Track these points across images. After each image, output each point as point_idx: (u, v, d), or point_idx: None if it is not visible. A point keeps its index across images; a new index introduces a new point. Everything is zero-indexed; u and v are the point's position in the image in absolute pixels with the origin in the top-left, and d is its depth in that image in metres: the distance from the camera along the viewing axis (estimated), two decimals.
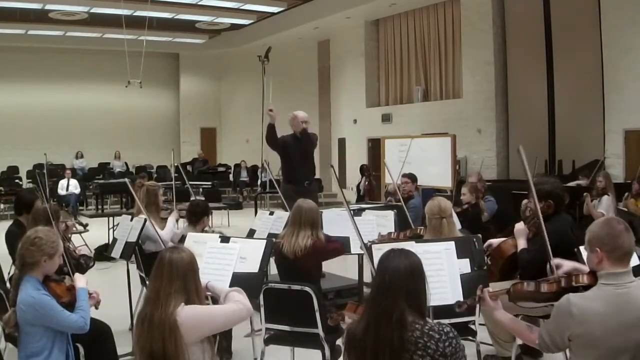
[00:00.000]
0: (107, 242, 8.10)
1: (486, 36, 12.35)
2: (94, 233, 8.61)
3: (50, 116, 17.49)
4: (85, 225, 8.24)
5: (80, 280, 3.18)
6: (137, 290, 5.02)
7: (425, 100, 14.26)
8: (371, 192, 12.78)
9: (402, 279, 2.05)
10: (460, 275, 3.34)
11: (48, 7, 14.36)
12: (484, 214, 6.47)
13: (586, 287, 2.37)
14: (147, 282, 3.62)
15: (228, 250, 3.76)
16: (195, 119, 19.79)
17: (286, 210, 5.36)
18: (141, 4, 13.83)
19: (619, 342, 2.17)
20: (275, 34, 15.93)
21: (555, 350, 2.38)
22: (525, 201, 8.24)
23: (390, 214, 5.27)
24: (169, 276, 2.37)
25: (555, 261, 3.12)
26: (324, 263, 4.20)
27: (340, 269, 6.50)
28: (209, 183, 15.76)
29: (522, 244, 3.87)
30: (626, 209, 7.19)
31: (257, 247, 3.77)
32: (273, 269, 4.23)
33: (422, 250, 3.09)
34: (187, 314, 2.34)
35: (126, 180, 5.54)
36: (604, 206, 7.06)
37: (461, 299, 3.01)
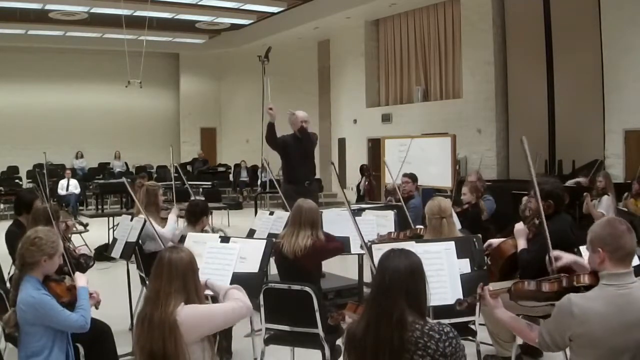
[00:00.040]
0: (107, 242, 8.10)
1: (486, 36, 12.35)
2: (94, 233, 8.61)
3: (50, 116, 17.50)
4: (85, 225, 8.23)
5: (81, 279, 3.18)
6: (137, 290, 5.02)
7: (425, 100, 14.25)
8: (371, 192, 12.78)
9: (402, 279, 2.05)
10: (460, 275, 3.34)
11: (48, 7, 14.37)
12: (484, 214, 6.47)
13: (587, 287, 2.37)
14: (147, 282, 3.62)
15: (228, 250, 3.76)
16: (195, 119, 19.80)
17: (287, 210, 5.36)
18: (141, 4, 13.83)
19: (619, 343, 2.17)
20: (275, 34, 15.93)
21: (555, 349, 2.38)
22: (525, 199, 8.26)
23: (390, 214, 5.28)
24: (168, 276, 2.37)
25: (555, 253, 3.12)
26: (324, 263, 4.19)
27: (340, 269, 6.51)
28: (209, 183, 15.77)
29: (522, 244, 3.88)
30: (626, 209, 7.19)
31: (257, 247, 3.77)
32: (273, 269, 4.23)
33: (422, 250, 3.09)
34: (187, 313, 2.34)
35: (124, 179, 5.53)
36: (604, 206, 7.06)
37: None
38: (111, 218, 8.97)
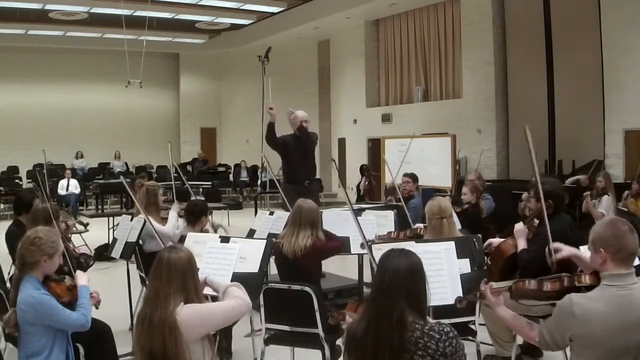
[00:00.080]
0: (107, 242, 8.10)
1: (486, 36, 12.35)
2: (94, 233, 8.61)
3: (50, 116, 17.50)
4: (86, 225, 8.23)
5: (82, 278, 3.18)
6: (137, 290, 5.02)
7: (425, 100, 14.25)
8: (371, 192, 12.77)
9: (402, 279, 2.05)
10: (460, 275, 3.34)
11: (48, 7, 14.37)
12: (483, 213, 6.46)
13: (589, 287, 2.36)
14: (147, 282, 3.62)
15: (228, 250, 3.76)
16: (195, 119, 19.80)
17: (287, 210, 5.36)
18: (141, 4, 13.83)
19: (620, 343, 2.17)
20: (275, 34, 15.93)
21: (555, 348, 2.38)
22: (524, 195, 8.26)
23: (390, 214, 5.28)
24: (167, 276, 2.37)
25: (555, 245, 3.13)
26: (324, 263, 4.19)
27: (340, 269, 6.51)
28: (209, 183, 15.77)
29: (522, 244, 3.87)
30: (626, 209, 7.19)
31: (257, 247, 3.77)
32: (273, 269, 4.22)
33: (422, 250, 3.09)
34: (187, 313, 2.34)
35: (122, 178, 5.53)
36: (604, 206, 7.06)
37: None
38: (111, 218, 8.96)
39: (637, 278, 2.28)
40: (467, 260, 3.45)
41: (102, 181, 15.14)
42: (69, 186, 14.22)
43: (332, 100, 17.26)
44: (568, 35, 10.76)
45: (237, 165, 17.95)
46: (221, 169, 18.28)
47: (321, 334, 3.41)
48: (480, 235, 3.82)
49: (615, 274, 2.25)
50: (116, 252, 5.06)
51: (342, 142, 16.69)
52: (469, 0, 12.77)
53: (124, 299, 5.03)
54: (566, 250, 3.03)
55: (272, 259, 4.03)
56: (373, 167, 13.78)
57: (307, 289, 3.40)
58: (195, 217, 4.72)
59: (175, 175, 8.17)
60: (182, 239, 4.27)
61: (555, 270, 3.27)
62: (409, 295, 2.04)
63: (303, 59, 17.75)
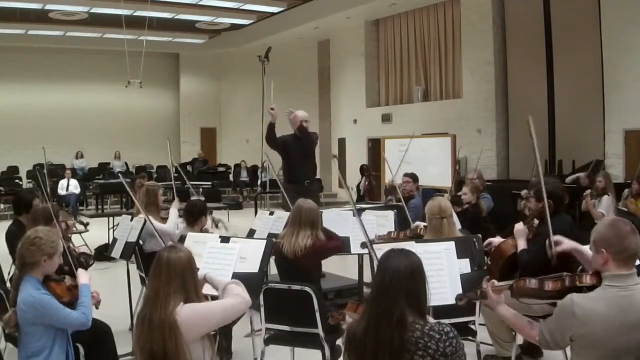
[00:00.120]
0: (107, 242, 8.10)
1: (486, 36, 12.35)
2: (94, 233, 8.61)
3: (50, 116, 17.50)
4: (86, 225, 8.23)
5: (83, 276, 3.18)
6: (137, 290, 5.02)
7: (425, 100, 14.26)
8: (371, 192, 12.77)
9: (402, 279, 2.05)
10: (460, 275, 3.34)
11: (48, 7, 14.37)
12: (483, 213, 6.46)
13: (590, 288, 2.36)
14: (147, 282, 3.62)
15: (228, 250, 3.76)
16: (195, 119, 19.80)
17: (288, 210, 5.36)
18: (141, 4, 13.84)
19: (621, 344, 2.17)
20: (275, 34, 15.94)
21: (555, 347, 2.38)
22: (524, 192, 8.26)
23: (390, 214, 5.27)
24: (167, 276, 2.37)
25: (555, 238, 3.12)
26: (324, 263, 4.19)
27: (340, 269, 6.50)
28: (209, 183, 15.77)
29: (522, 244, 3.87)
30: (626, 209, 7.19)
31: (257, 247, 3.77)
32: (273, 269, 4.22)
33: (422, 250, 3.09)
34: (187, 312, 2.34)
35: (122, 178, 5.54)
36: (604, 206, 7.06)
37: None
38: (111, 218, 8.96)
39: (638, 279, 2.28)
40: (467, 260, 3.45)
41: (102, 181, 15.14)
42: (69, 186, 14.22)
43: (332, 100, 17.26)
44: (568, 35, 10.76)
45: (237, 165, 17.96)
46: (221, 169, 18.28)
47: (321, 334, 3.41)
48: (480, 235, 3.82)
49: (617, 274, 2.25)
50: (116, 252, 5.06)
51: (342, 142, 16.70)
52: (469, 0, 12.77)
53: (124, 299, 5.03)
54: (567, 243, 3.03)
55: (272, 259, 4.03)
56: (373, 167, 13.78)
57: (307, 289, 3.40)
58: (194, 217, 4.72)
59: (176, 175, 8.16)
60: (182, 239, 4.28)
61: (555, 264, 3.28)
62: (409, 295, 2.04)
63: (303, 59, 17.75)
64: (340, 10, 14.55)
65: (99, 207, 14.32)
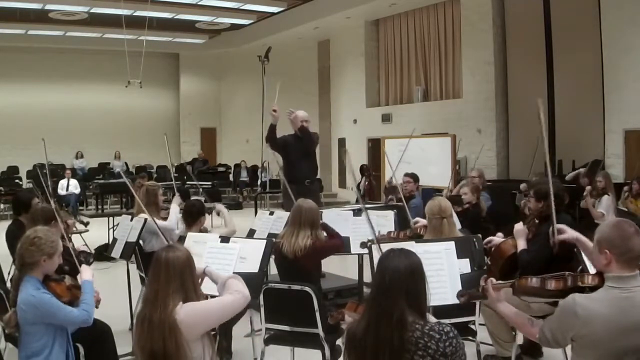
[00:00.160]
0: (107, 242, 8.10)
1: (486, 36, 12.35)
2: (94, 233, 8.60)
3: (50, 116, 17.50)
4: (86, 224, 8.23)
5: (86, 272, 3.18)
6: (137, 290, 5.02)
7: (425, 100, 14.26)
8: (371, 192, 12.76)
9: (402, 279, 2.05)
10: (460, 275, 3.34)
11: (48, 7, 14.37)
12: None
13: (592, 288, 2.36)
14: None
15: (228, 250, 3.76)
16: (195, 119, 19.80)
17: (289, 209, 5.35)
18: (141, 4, 13.84)
19: (622, 345, 2.16)
20: (275, 34, 15.94)
21: (555, 346, 2.39)
22: (523, 186, 8.29)
23: (390, 214, 5.27)
24: (166, 276, 2.37)
25: (559, 226, 3.12)
26: (324, 263, 4.19)
27: (340, 269, 6.51)
28: (209, 183, 15.77)
29: (522, 244, 3.87)
30: (626, 209, 7.19)
31: (257, 247, 3.77)
32: (273, 269, 4.22)
33: (422, 250, 3.10)
34: (187, 312, 2.34)
35: (125, 178, 5.55)
36: (603, 206, 7.06)
37: None
38: (111, 218, 8.96)
39: None
40: (467, 260, 3.44)
41: (102, 181, 15.15)
42: (69, 186, 14.22)
43: (332, 100, 17.26)
44: (568, 35, 10.76)
45: (237, 165, 17.96)
46: (221, 169, 18.28)
47: (321, 334, 3.41)
48: (480, 235, 3.82)
49: (619, 276, 2.24)
50: (116, 252, 5.06)
51: (342, 142, 16.69)
52: (469, 0, 12.77)
53: (124, 299, 5.03)
54: (569, 233, 3.02)
55: (272, 259, 4.03)
56: (373, 167, 13.77)
57: (307, 289, 3.40)
58: (193, 217, 4.72)
59: (176, 175, 8.15)
60: (182, 239, 4.28)
61: (557, 252, 3.28)
62: (409, 295, 2.04)
63: (303, 59, 17.75)
64: (340, 10, 14.55)
65: (99, 207, 14.33)
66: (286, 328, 3.57)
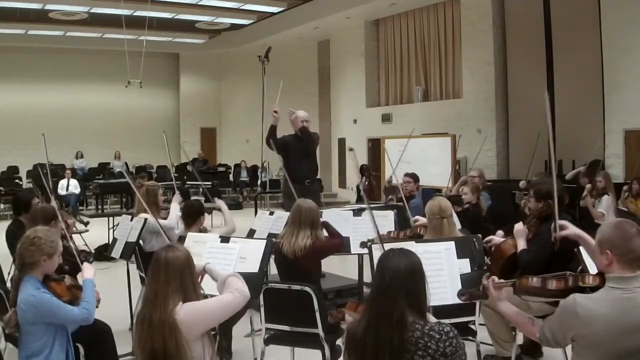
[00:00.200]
0: (107, 242, 8.10)
1: (486, 36, 12.35)
2: (94, 233, 8.60)
3: (50, 116, 17.49)
4: (86, 224, 8.23)
5: (88, 270, 3.19)
6: (137, 290, 5.02)
7: (425, 100, 14.26)
8: (371, 192, 12.76)
9: (402, 279, 2.05)
10: (460, 275, 3.34)
11: (48, 7, 14.37)
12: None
13: (593, 288, 2.36)
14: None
15: (228, 250, 3.76)
16: (195, 119, 19.80)
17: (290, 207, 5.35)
18: (141, 4, 13.84)
19: (622, 346, 2.16)
20: (275, 34, 15.94)
21: (555, 345, 2.38)
22: (522, 183, 8.28)
23: (390, 214, 5.27)
24: (165, 277, 2.38)
25: (561, 222, 3.11)
26: (324, 263, 4.19)
27: (340, 269, 6.51)
28: (209, 183, 15.76)
29: (521, 244, 3.87)
30: (626, 209, 7.19)
31: (257, 247, 3.77)
32: (273, 269, 4.23)
33: (422, 250, 3.10)
34: (186, 312, 2.34)
35: (128, 178, 5.55)
36: (603, 206, 7.06)
37: None
38: (111, 218, 8.96)
39: None
40: (467, 260, 3.44)
41: (102, 181, 15.16)
42: (69, 186, 14.22)
43: (332, 100, 17.26)
44: (568, 35, 10.76)
45: (237, 165, 17.96)
46: (221, 169, 18.29)
47: (321, 334, 3.41)
48: (480, 235, 3.82)
49: (621, 277, 2.24)
50: (116, 252, 5.07)
51: (342, 142, 16.69)
52: (469, 0, 12.77)
53: (124, 299, 5.03)
54: (571, 229, 3.02)
55: (272, 259, 4.03)
56: (373, 167, 13.78)
57: (307, 289, 3.40)
58: (192, 218, 4.71)
59: (176, 175, 8.15)
60: (182, 239, 4.28)
61: (558, 248, 3.27)
62: (409, 295, 2.03)
63: (303, 59, 17.75)
64: (340, 10, 14.55)
65: (99, 207, 14.33)
66: (286, 328, 3.57)
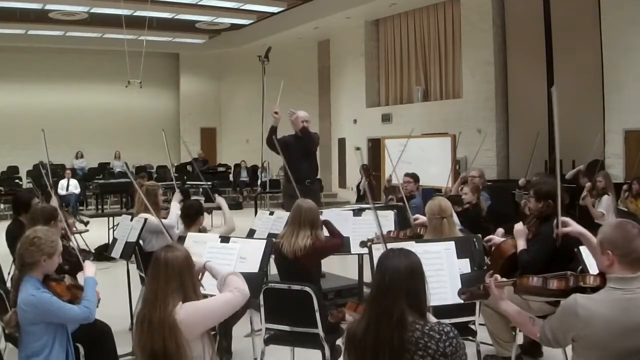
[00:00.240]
0: (107, 242, 8.10)
1: (486, 36, 12.35)
2: (94, 233, 8.60)
3: (50, 116, 17.46)
4: (86, 224, 8.23)
5: (89, 269, 3.18)
6: (137, 290, 5.02)
7: (425, 100, 14.26)
8: (371, 192, 12.76)
9: (402, 279, 2.04)
10: (460, 275, 3.34)
11: (48, 7, 14.37)
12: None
13: (594, 289, 2.36)
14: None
15: (228, 250, 3.76)
16: (195, 119, 19.80)
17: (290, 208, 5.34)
18: (141, 4, 13.84)
19: (623, 347, 2.16)
20: (275, 34, 15.94)
21: (555, 345, 2.38)
22: (521, 181, 8.27)
23: (390, 214, 5.27)
24: (165, 277, 2.37)
25: (564, 218, 3.11)
26: (324, 263, 4.19)
27: (340, 269, 6.51)
28: (209, 183, 15.75)
29: (521, 244, 3.88)
30: (626, 209, 7.19)
31: (257, 247, 3.77)
32: (273, 269, 4.23)
33: (422, 250, 3.10)
34: (186, 311, 2.34)
35: (130, 176, 5.55)
36: (604, 206, 7.06)
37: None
38: (111, 218, 8.96)
39: None
40: (467, 260, 3.44)
41: (102, 181, 15.16)
42: (69, 186, 14.22)
43: (332, 100, 17.26)
44: (568, 35, 10.76)
45: (237, 165, 17.96)
46: (221, 169, 18.28)
47: (321, 334, 3.41)
48: (480, 235, 3.82)
49: (622, 277, 2.23)
50: (116, 252, 5.06)
51: (342, 142, 16.69)
52: (469, 0, 12.77)
53: (124, 299, 5.03)
54: (574, 226, 3.01)
55: (272, 259, 4.02)
56: (373, 167, 13.77)
57: (307, 289, 3.40)
58: (191, 218, 4.71)
59: (176, 175, 8.14)
60: (182, 239, 4.28)
61: (559, 245, 3.27)
62: (409, 295, 2.03)
63: (303, 59, 17.75)
64: (340, 10, 14.55)
65: (99, 207, 14.33)
66: (286, 328, 3.57)
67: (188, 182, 14.94)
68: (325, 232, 4.06)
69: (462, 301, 2.85)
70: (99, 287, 3.27)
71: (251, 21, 16.80)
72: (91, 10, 14.75)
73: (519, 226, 3.95)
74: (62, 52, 17.63)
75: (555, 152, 3.50)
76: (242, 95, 18.92)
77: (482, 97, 12.49)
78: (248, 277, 3.52)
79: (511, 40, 12.31)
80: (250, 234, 5.47)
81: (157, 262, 2.41)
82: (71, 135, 17.63)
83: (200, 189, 14.37)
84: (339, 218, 4.98)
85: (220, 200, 5.37)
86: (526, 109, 11.77)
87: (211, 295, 2.62)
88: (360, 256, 5.20)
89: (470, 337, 3.59)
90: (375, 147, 14.40)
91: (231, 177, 17.86)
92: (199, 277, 2.65)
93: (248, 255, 3.72)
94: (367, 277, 5.28)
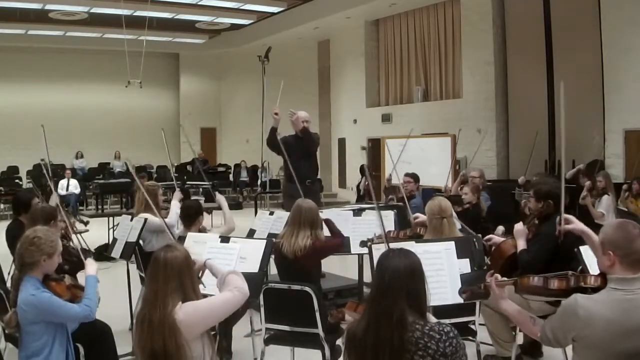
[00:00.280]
0: (107, 242, 8.10)
1: (486, 36, 12.35)
2: (94, 233, 8.59)
3: (50, 116, 17.41)
4: (86, 223, 8.22)
5: (91, 267, 3.18)
6: (137, 290, 5.02)
7: (425, 100, 14.25)
8: (369, 192, 12.76)
9: (402, 279, 2.04)
10: (460, 275, 3.34)
11: (48, 7, 14.37)
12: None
13: (595, 289, 2.36)
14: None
15: (228, 250, 3.76)
16: (195, 119, 19.79)
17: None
18: (141, 4, 13.84)
19: (623, 347, 2.15)
20: (275, 34, 15.94)
21: (556, 345, 2.38)
22: (521, 179, 8.26)
23: (390, 214, 5.27)
24: (164, 277, 2.37)
25: (567, 216, 3.11)
26: (324, 263, 4.19)
27: (340, 269, 6.51)
28: (209, 183, 15.75)
29: (521, 244, 3.87)
30: (626, 209, 7.19)
31: (257, 247, 3.77)
32: (273, 269, 4.23)
33: (422, 250, 3.10)
34: (186, 311, 2.34)
35: (134, 176, 5.54)
36: (604, 206, 7.06)
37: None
38: (111, 218, 8.96)
39: None
40: (467, 260, 3.44)
41: (102, 181, 15.16)
42: (69, 186, 14.22)
43: (332, 100, 17.26)
44: (568, 35, 10.75)
45: (237, 165, 17.97)
46: (221, 169, 18.28)
47: (321, 334, 3.41)
48: (480, 235, 3.82)
49: (623, 278, 2.23)
50: (116, 252, 5.06)
51: (342, 142, 16.69)
52: (469, 0, 12.77)
53: (124, 299, 5.03)
54: (576, 224, 3.01)
55: (272, 259, 4.02)
56: (373, 167, 13.77)
57: (307, 289, 3.40)
58: (190, 218, 4.71)
59: (176, 175, 8.14)
60: (181, 239, 4.27)
61: (560, 246, 3.27)
62: (409, 295, 2.03)
63: (303, 59, 17.75)
64: (340, 10, 14.55)
65: (99, 207, 14.33)
66: (286, 328, 3.57)
67: (188, 182, 14.93)
68: (326, 231, 4.06)
69: (462, 301, 2.85)
70: (99, 287, 3.27)
71: (251, 21, 16.80)
72: (91, 10, 14.76)
73: (519, 226, 3.95)
74: (62, 52, 17.63)
75: (559, 149, 3.50)
76: (242, 95, 18.92)
77: (482, 97, 12.48)
78: (248, 277, 3.51)
79: (511, 40, 12.31)
80: (250, 234, 5.47)
81: (156, 262, 2.41)
82: (71, 135, 17.63)
83: (201, 189, 14.37)
84: (339, 218, 4.97)
85: (220, 198, 5.37)
86: (526, 109, 11.77)
87: (211, 295, 2.62)
88: (360, 256, 5.20)
89: (470, 337, 3.59)
90: (375, 147, 14.40)
91: (231, 177, 17.86)
92: (199, 275, 2.65)
93: (248, 255, 3.72)
94: (367, 277, 5.28)
